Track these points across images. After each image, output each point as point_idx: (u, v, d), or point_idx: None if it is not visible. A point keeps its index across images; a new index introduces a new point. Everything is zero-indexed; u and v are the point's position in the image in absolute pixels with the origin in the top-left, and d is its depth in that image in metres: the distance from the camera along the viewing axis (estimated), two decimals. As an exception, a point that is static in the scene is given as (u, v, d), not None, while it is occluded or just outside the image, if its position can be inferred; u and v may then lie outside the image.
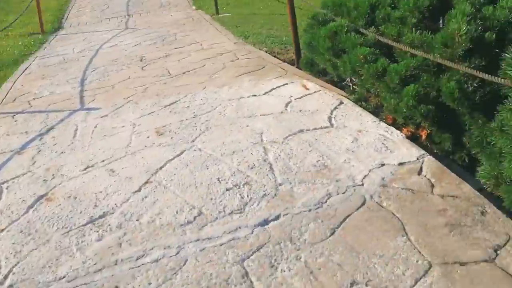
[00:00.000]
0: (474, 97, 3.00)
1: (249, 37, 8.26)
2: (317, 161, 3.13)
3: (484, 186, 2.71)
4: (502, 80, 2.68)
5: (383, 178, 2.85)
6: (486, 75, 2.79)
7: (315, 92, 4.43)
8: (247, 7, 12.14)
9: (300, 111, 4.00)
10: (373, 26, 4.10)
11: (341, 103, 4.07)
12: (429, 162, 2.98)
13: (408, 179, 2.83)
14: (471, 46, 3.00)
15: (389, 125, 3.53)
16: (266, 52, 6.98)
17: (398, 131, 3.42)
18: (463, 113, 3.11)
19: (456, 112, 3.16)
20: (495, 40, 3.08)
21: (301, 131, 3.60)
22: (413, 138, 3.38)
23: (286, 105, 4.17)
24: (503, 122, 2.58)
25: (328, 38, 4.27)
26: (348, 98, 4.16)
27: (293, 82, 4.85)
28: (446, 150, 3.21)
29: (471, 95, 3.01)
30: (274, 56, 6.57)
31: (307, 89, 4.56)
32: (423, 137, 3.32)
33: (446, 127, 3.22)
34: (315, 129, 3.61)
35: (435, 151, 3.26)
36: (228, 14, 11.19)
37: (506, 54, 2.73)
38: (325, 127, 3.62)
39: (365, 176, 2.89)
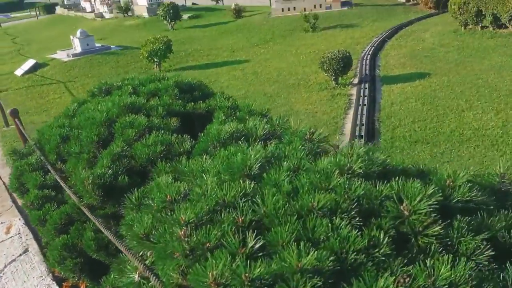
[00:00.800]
0: (112, 246, 2.79)
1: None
2: None
3: None
4: (112, 236, 2.52)
5: None
6: (105, 229, 2.61)
7: (12, 237, 3.93)
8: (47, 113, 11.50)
9: (-30, 271, 3.43)
10: (60, 161, 3.84)
11: (26, 251, 3.62)
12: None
13: None
14: (102, 193, 2.84)
15: (55, 278, 3.16)
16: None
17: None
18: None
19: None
20: (136, 181, 2.98)
21: None
22: (75, 293, 3.04)
23: (-39, 263, 3.58)
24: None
25: (16, 178, 3.88)
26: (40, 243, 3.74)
27: (3, 222, 4.31)
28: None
29: (109, 245, 2.80)
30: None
31: (8, 233, 4.04)
32: (82, 291, 2.99)
33: (99, 278, 2.94)
34: (-37, 300, 3.07)
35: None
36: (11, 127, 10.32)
37: (124, 205, 2.60)
38: (-20, 294, 3.10)
39: None
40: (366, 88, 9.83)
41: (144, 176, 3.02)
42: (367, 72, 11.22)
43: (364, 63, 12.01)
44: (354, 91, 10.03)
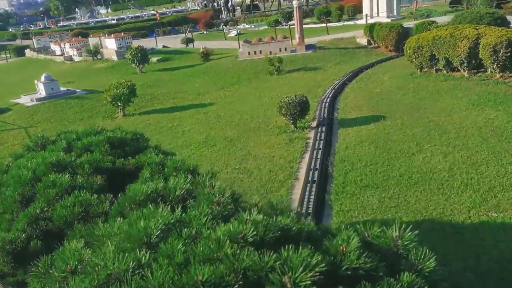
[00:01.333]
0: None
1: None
2: None
3: None
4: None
5: None
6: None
7: None
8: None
9: None
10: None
11: None
12: None
13: None
14: (12, 259, 2.75)
15: None
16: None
17: None
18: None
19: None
20: (51, 244, 2.90)
21: None
22: None
23: None
24: None
25: None
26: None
27: None
28: None
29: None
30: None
31: None
32: None
33: None
34: None
35: None
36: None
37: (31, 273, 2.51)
38: None
39: None
40: (323, 131, 10.00)
41: (61, 239, 2.95)
42: (326, 115, 11.45)
43: (323, 106, 12.26)
44: (312, 134, 10.19)
